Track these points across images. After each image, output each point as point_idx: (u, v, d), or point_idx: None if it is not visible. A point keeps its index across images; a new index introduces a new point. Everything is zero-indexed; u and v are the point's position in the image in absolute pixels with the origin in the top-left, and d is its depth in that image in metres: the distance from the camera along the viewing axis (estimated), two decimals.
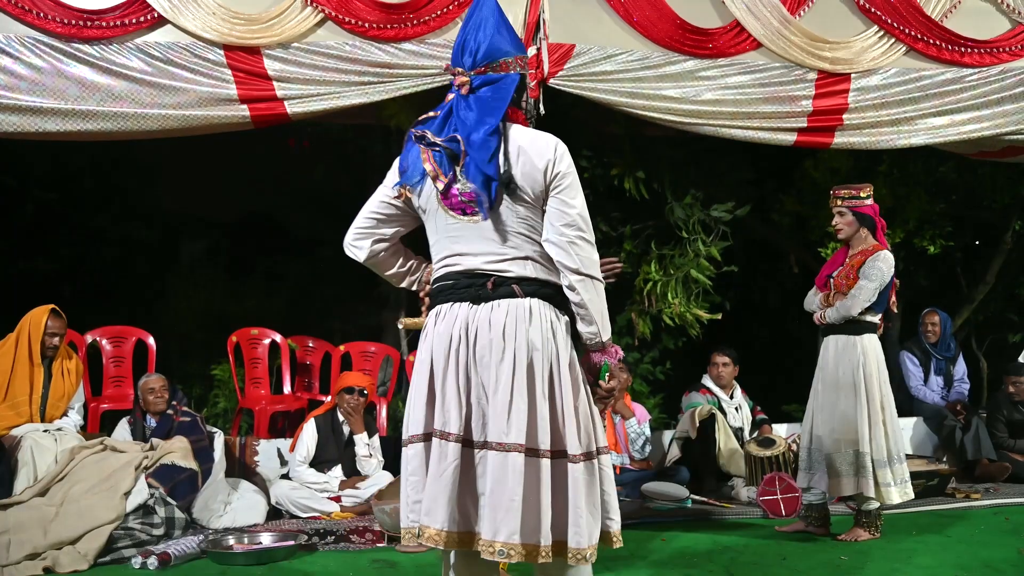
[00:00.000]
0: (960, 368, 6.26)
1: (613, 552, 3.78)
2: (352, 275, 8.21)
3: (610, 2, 4.65)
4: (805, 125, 4.94)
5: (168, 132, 4.36)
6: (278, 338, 6.17)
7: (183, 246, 9.12)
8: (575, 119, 5.69)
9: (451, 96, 2.28)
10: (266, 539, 4.02)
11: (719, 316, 6.19)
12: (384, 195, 2.36)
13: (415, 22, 4.45)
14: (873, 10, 4.91)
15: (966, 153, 5.91)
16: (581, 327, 2.23)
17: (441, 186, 2.22)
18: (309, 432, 4.81)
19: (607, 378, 2.27)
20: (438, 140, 2.22)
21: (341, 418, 4.90)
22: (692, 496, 4.92)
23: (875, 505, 4.08)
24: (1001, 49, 5.05)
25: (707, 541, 4.10)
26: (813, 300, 4.30)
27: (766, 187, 7.33)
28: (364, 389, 4.97)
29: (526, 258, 2.21)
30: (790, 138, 4.98)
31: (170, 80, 4.25)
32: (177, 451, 4.26)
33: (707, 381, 5.56)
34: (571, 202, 2.17)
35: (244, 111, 4.37)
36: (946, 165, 6.86)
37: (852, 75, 4.93)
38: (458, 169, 2.20)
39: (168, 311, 8.10)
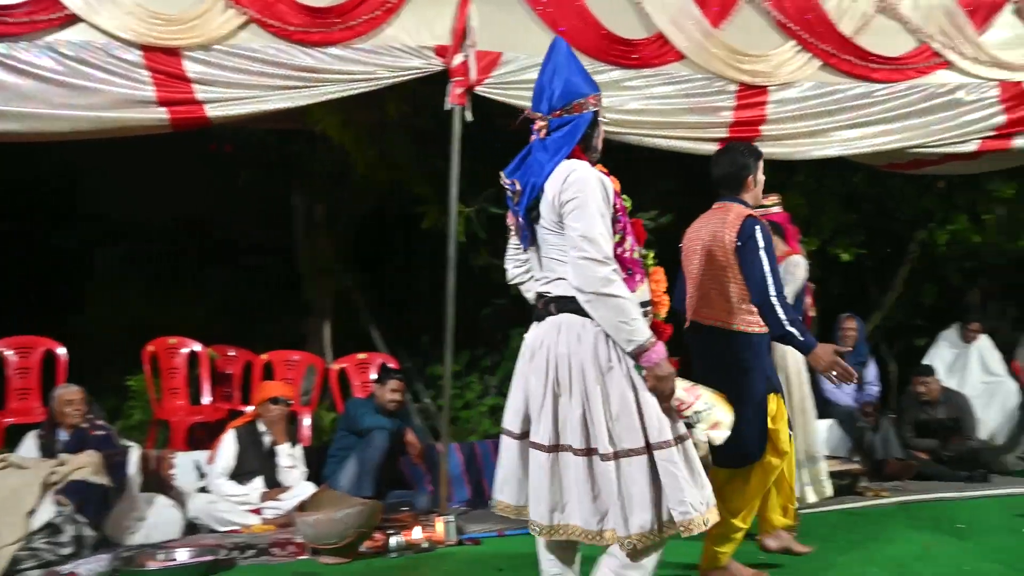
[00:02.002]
0: (871, 371, 6.50)
1: (518, 561, 3.82)
2: (276, 282, 8.10)
3: (537, 11, 4.68)
4: (726, 135, 5.05)
5: (81, 134, 4.20)
6: (197, 347, 6.01)
7: (102, 252, 8.79)
8: (502, 127, 5.70)
9: (534, 137, 2.57)
10: (182, 555, 3.90)
11: None
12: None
13: (341, 27, 4.39)
14: (790, 25, 5.05)
15: (877, 165, 6.14)
16: (614, 339, 2.44)
17: (515, 229, 2.62)
18: (228, 443, 4.69)
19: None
20: (506, 184, 2.57)
21: (262, 428, 4.79)
22: None
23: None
24: (907, 66, 5.25)
25: None
26: None
27: (690, 196, 7.46)
28: (289, 399, 4.88)
29: (560, 279, 2.50)
30: (712, 148, 5.04)
31: (83, 80, 4.10)
32: (88, 466, 4.09)
33: None
34: (574, 224, 2.38)
35: (163, 114, 4.25)
36: (858, 176, 7.10)
37: (770, 88, 5.05)
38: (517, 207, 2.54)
39: (85, 320, 7.79)
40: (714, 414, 2.58)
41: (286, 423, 4.86)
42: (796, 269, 4.21)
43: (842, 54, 5.14)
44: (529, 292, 2.77)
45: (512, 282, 2.82)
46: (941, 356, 6.93)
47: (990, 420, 6.51)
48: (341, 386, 6.17)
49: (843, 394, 6.30)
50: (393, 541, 4.14)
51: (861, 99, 5.20)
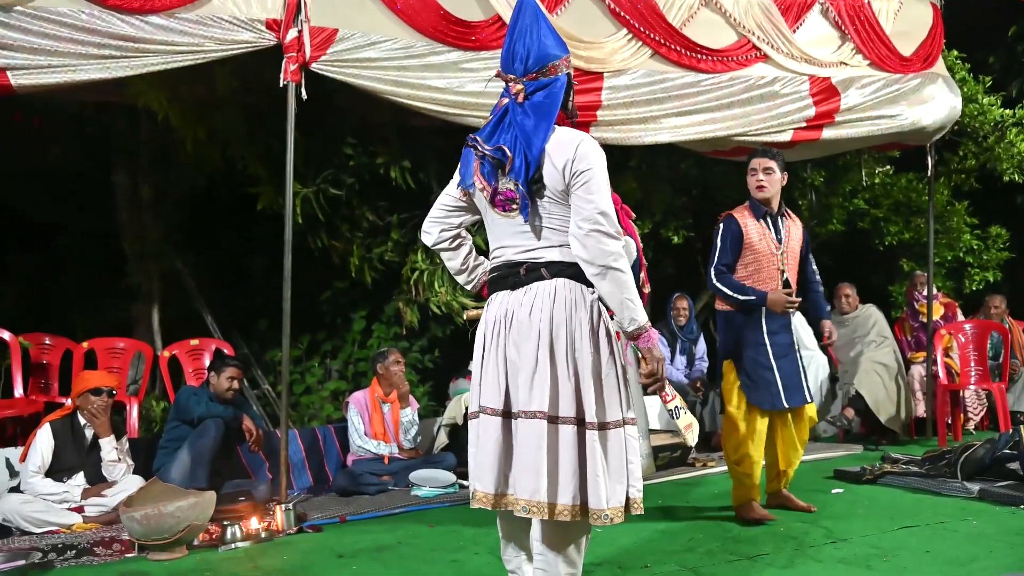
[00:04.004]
0: (700, 347, 6.88)
1: (360, 548, 3.80)
2: (96, 266, 7.57)
3: None
4: None
5: None
6: (7, 336, 5.56)
7: None
8: (339, 105, 5.58)
9: (504, 100, 2.47)
10: None
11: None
12: (452, 190, 2.63)
13: None
14: (622, 14, 5.22)
15: (703, 151, 6.48)
16: (615, 316, 2.40)
17: (487, 195, 2.47)
18: (44, 438, 4.37)
19: (640, 363, 2.42)
20: (487, 150, 2.44)
21: (83, 421, 4.49)
22: (459, 481, 5.02)
23: None
24: (730, 58, 5.54)
25: (473, 524, 4.19)
26: None
27: None
28: (112, 389, 4.60)
29: (553, 246, 2.43)
30: None
31: None
32: None
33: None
34: (588, 197, 2.34)
35: None
36: (687, 162, 7.47)
37: (605, 74, 5.19)
38: (500, 173, 2.42)
39: None
40: (688, 416, 2.65)
41: (110, 414, 4.58)
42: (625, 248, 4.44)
43: (671, 44, 5.35)
44: (453, 260, 2.70)
45: (435, 247, 2.70)
46: None
47: None
48: (172, 374, 5.87)
49: (676, 370, 6.63)
50: (229, 532, 4.00)
51: (688, 88, 5.43)
